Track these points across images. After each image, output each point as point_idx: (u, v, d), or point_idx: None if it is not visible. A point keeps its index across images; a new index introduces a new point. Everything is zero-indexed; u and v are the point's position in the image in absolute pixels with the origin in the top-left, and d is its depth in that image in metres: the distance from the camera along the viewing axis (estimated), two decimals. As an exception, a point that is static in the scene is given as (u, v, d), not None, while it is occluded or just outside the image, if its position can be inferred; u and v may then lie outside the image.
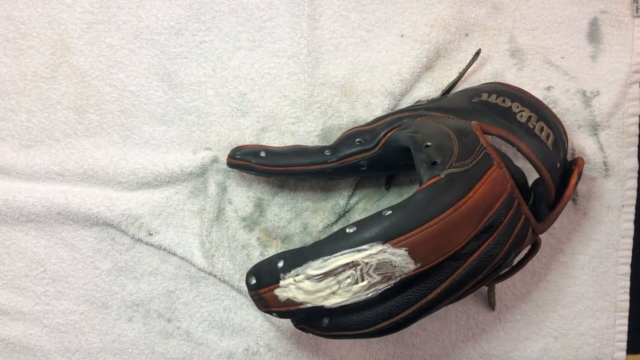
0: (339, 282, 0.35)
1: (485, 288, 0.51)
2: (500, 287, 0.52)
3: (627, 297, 0.52)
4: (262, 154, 0.47)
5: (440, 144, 0.39)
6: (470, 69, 0.51)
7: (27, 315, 0.51)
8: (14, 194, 0.49)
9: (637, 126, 0.51)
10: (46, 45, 0.50)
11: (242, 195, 0.51)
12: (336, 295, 0.35)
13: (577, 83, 0.51)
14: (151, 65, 0.50)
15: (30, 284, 0.51)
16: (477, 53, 0.50)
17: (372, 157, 0.46)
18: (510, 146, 0.43)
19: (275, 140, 0.51)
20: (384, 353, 0.52)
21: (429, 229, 0.35)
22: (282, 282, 0.36)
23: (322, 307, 0.36)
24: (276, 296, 0.36)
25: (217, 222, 0.51)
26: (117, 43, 0.50)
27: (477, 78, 0.52)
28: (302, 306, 0.36)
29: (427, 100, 0.50)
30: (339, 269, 0.35)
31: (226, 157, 0.48)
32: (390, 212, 0.35)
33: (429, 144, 0.40)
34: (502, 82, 0.50)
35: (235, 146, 0.49)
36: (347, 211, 0.52)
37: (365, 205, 0.52)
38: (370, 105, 0.51)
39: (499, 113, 0.46)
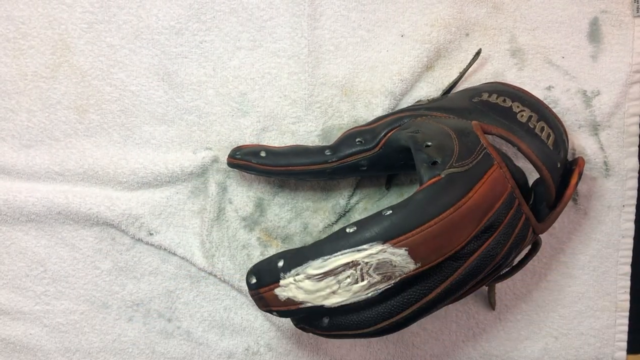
0: (339, 282, 0.35)
1: (485, 288, 0.51)
2: (500, 287, 0.52)
3: (628, 297, 0.52)
4: (263, 153, 0.47)
5: (440, 144, 0.39)
6: (470, 69, 0.51)
7: (28, 315, 0.51)
8: (14, 194, 0.49)
9: (638, 126, 0.51)
10: (46, 45, 0.50)
11: (243, 195, 0.51)
12: (336, 294, 0.35)
13: (577, 83, 0.51)
14: (151, 65, 0.50)
15: (30, 284, 0.51)
16: (478, 53, 0.50)
17: (372, 157, 0.46)
18: (511, 146, 0.43)
19: (276, 140, 0.51)
20: (384, 353, 0.52)
21: (429, 229, 0.35)
22: (282, 282, 0.36)
23: (322, 306, 0.36)
24: (276, 295, 0.36)
25: (218, 221, 0.51)
26: (117, 43, 0.50)
27: (478, 78, 0.52)
28: (302, 305, 0.36)
29: (428, 100, 0.50)
30: (339, 269, 0.35)
31: (226, 156, 0.48)
32: (391, 211, 0.35)
33: (429, 143, 0.40)
34: (503, 81, 0.50)
35: (235, 146, 0.49)
36: (348, 211, 0.52)
37: (366, 205, 0.52)
38: (370, 105, 0.51)
39: (500, 113, 0.46)
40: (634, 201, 0.52)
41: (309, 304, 0.36)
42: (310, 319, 0.38)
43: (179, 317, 0.51)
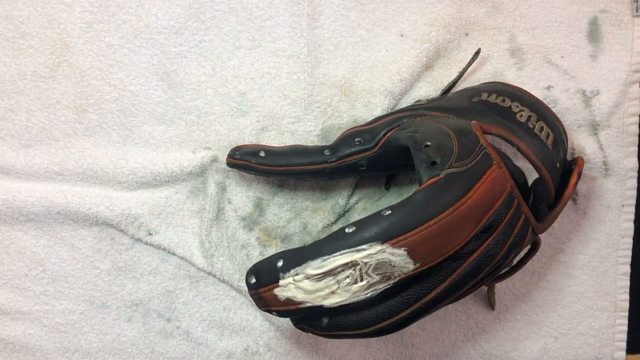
0: (338, 282, 0.35)
1: (485, 288, 0.51)
2: (500, 286, 0.52)
3: (627, 296, 0.52)
4: (262, 153, 0.47)
5: (439, 144, 0.39)
6: (470, 69, 0.51)
7: (27, 315, 0.51)
8: (14, 194, 0.49)
9: (637, 126, 0.51)
10: (46, 44, 0.50)
11: (242, 195, 0.51)
12: (335, 294, 0.35)
13: (577, 82, 0.51)
14: (151, 65, 0.50)
15: (29, 284, 0.51)
16: (477, 52, 0.50)
17: (371, 157, 0.46)
18: (510, 146, 0.43)
19: (275, 139, 0.51)
20: (384, 353, 0.52)
21: (429, 229, 0.35)
22: (281, 282, 0.36)
23: (321, 306, 0.36)
24: (276, 295, 0.36)
25: (217, 221, 0.51)
26: (116, 42, 0.50)
27: (477, 77, 0.52)
28: (302, 305, 0.36)
29: (427, 99, 0.50)
30: (338, 269, 0.35)
31: (226, 156, 0.48)
32: (390, 212, 0.35)
33: (428, 143, 0.40)
34: (502, 81, 0.50)
35: (234, 146, 0.49)
36: (347, 211, 0.52)
37: (365, 205, 0.52)
38: (370, 105, 0.51)
39: (499, 113, 0.46)
40: (634, 201, 0.52)
41: (308, 304, 0.36)
42: (310, 319, 0.38)
43: (178, 317, 0.51)
